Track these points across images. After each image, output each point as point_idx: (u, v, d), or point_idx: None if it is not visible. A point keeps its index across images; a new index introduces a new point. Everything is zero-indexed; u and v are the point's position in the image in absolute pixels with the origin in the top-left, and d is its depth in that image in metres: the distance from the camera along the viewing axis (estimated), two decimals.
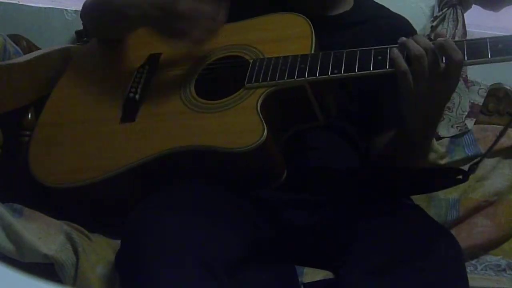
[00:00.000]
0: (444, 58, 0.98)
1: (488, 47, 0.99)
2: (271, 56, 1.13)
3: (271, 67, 1.11)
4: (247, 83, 1.11)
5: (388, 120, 1.22)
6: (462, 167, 1.09)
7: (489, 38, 1.00)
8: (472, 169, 1.04)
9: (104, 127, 1.19)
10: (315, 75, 1.07)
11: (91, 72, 1.32)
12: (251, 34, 1.21)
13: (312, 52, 1.12)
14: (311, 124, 1.15)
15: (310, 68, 1.08)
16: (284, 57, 1.11)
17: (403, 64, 1.00)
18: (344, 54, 1.07)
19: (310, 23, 1.16)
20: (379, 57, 1.04)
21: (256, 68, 1.12)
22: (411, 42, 1.00)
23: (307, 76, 1.07)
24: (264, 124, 1.03)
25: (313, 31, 1.15)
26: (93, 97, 1.25)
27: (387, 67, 1.03)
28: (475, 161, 1.08)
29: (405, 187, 1.12)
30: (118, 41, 1.30)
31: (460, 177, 1.04)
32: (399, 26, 1.31)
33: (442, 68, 0.99)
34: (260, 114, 1.05)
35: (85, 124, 1.21)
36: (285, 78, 1.08)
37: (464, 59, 0.99)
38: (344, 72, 1.05)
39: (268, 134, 1.02)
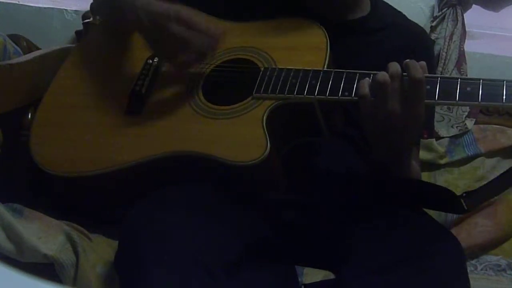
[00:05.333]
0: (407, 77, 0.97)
1: (505, 90, 0.95)
2: (283, 67, 1.10)
3: (281, 79, 1.08)
4: (255, 93, 1.08)
5: None
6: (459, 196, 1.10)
7: (506, 81, 0.96)
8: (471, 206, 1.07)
9: (108, 117, 1.16)
10: (325, 95, 1.04)
11: (97, 59, 1.29)
12: (264, 37, 1.18)
13: (325, 66, 1.09)
14: (315, 138, 1.13)
15: (320, 86, 1.05)
16: (295, 70, 1.08)
17: (365, 90, 0.99)
18: (357, 76, 1.04)
19: (326, 34, 1.13)
20: None
21: (266, 78, 1.09)
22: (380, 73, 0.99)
23: (317, 95, 1.04)
24: (268, 139, 1.02)
25: (328, 43, 1.12)
26: (98, 85, 1.22)
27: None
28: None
29: (401, 199, 1.11)
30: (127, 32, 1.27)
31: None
32: (416, 35, 1.30)
33: (404, 91, 0.98)
34: (265, 128, 1.03)
35: (88, 112, 1.19)
36: (294, 93, 1.06)
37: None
38: (354, 96, 1.02)
39: (271, 149, 1.01)
